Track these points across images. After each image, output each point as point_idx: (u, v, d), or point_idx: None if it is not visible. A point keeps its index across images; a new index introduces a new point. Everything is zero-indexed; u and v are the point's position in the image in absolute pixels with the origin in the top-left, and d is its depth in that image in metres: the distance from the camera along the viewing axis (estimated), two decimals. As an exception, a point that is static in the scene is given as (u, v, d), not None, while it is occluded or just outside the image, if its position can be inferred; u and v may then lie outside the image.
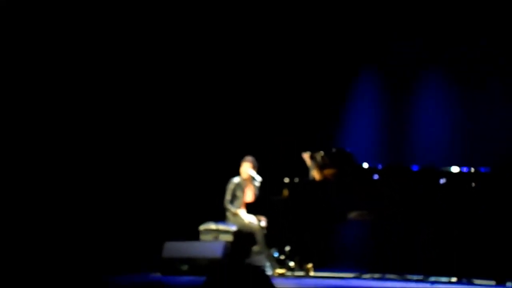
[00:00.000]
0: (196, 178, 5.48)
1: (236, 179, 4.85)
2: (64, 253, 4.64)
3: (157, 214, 5.27)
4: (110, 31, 5.26)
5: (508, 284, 4.02)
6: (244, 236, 4.66)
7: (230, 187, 4.82)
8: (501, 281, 4.10)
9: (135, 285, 3.77)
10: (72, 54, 5.12)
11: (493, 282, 4.11)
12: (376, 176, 4.35)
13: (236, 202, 4.82)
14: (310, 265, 4.50)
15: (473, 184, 4.22)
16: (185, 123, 5.66)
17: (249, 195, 4.84)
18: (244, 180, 4.84)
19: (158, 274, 4.42)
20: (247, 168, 4.82)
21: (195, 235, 4.71)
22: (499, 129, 5.10)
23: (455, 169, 4.29)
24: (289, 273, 4.47)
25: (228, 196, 4.81)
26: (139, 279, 4.18)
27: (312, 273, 4.48)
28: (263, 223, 4.68)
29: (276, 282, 4.09)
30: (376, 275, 4.45)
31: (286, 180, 4.52)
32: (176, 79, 5.65)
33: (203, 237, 4.70)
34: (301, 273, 4.47)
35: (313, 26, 5.64)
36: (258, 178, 4.80)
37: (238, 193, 4.82)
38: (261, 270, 1.18)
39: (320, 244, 4.84)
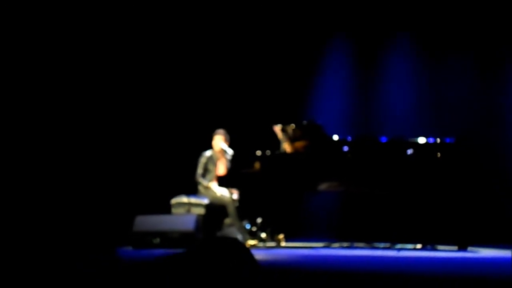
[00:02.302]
0: (168, 152, 5.44)
1: (208, 153, 4.84)
2: (34, 228, 4.57)
3: (128, 187, 5.22)
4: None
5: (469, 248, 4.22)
6: (216, 209, 4.68)
7: (202, 160, 4.81)
8: (462, 246, 4.29)
9: (106, 259, 3.75)
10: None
11: (455, 248, 4.30)
12: (346, 148, 4.41)
13: (208, 176, 4.82)
14: (281, 236, 4.58)
15: (439, 154, 4.34)
16: (156, 97, 5.57)
17: (221, 168, 4.84)
18: (216, 153, 4.83)
19: (129, 248, 4.41)
20: (219, 141, 4.80)
21: (167, 209, 4.70)
22: (463, 100, 5.24)
23: (421, 140, 4.40)
24: (260, 244, 4.54)
25: (200, 170, 4.80)
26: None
27: (283, 244, 4.56)
28: (235, 195, 4.71)
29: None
30: (345, 244, 4.57)
31: (258, 153, 4.54)
32: (144, 55, 5.53)
33: (175, 210, 4.70)
34: (273, 244, 4.54)
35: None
36: (230, 151, 4.80)
37: (210, 166, 4.81)
38: (240, 243, 1.18)
39: (291, 216, 4.92)
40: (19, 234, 4.40)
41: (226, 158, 4.81)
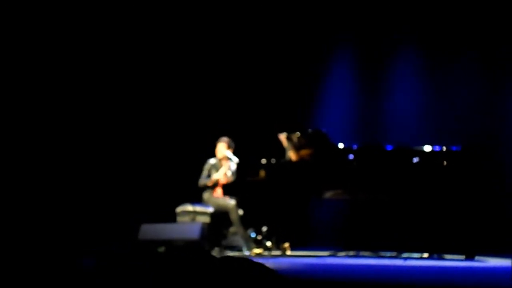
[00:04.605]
0: (173, 160, 5.45)
1: (212, 160, 4.85)
2: (39, 235, 4.58)
3: (133, 196, 5.23)
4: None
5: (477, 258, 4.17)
6: (221, 218, 4.67)
7: (206, 167, 4.82)
8: (469, 256, 4.24)
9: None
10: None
11: (462, 257, 4.26)
12: (351, 156, 4.40)
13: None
14: (286, 245, 4.55)
15: (445, 163, 4.32)
16: (160, 105, 5.59)
17: (222, 174, 4.83)
18: (220, 160, 4.83)
19: (134, 256, 4.40)
20: (222, 149, 4.81)
21: (172, 217, 4.70)
22: (469, 108, 5.21)
23: (427, 148, 4.38)
24: (266, 253, 4.52)
25: (204, 173, 4.80)
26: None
27: (288, 252, 4.54)
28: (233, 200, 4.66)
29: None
30: (351, 253, 4.54)
31: (263, 161, 4.53)
32: (149, 63, 5.56)
33: (180, 218, 4.69)
34: (278, 253, 4.52)
35: (286, 4, 5.59)
36: (235, 159, 4.80)
37: (213, 173, 4.81)
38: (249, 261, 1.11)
39: (297, 224, 4.90)
40: (23, 242, 4.40)
41: (229, 166, 4.81)
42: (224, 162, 4.82)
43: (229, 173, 4.79)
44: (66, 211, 4.96)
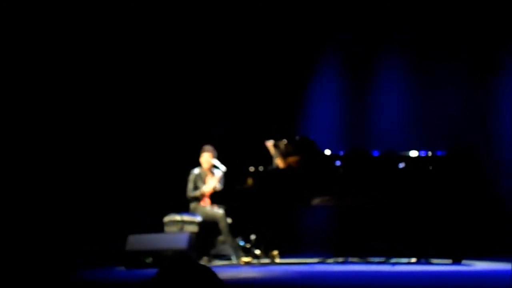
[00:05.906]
0: (157, 170, 5.40)
1: (196, 170, 4.81)
2: (26, 248, 4.50)
3: (120, 207, 5.17)
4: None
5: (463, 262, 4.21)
6: (209, 227, 4.63)
7: (191, 178, 4.78)
8: (456, 260, 4.28)
9: (99, 280, 3.70)
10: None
11: (449, 261, 4.29)
12: (338, 162, 4.42)
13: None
14: (275, 252, 4.54)
15: (431, 168, 4.36)
16: (145, 116, 5.56)
17: (210, 185, 4.80)
18: (204, 170, 4.80)
19: (122, 268, 4.35)
20: (208, 158, 4.77)
21: (159, 227, 4.65)
22: (454, 113, 5.28)
23: (413, 153, 4.42)
24: (255, 261, 4.50)
25: (190, 185, 4.76)
26: (103, 273, 4.10)
27: (278, 260, 4.52)
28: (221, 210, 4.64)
29: (243, 270, 4.13)
30: (340, 259, 4.55)
31: (251, 169, 4.52)
32: (134, 71, 5.53)
33: (167, 228, 4.65)
34: (267, 261, 4.51)
35: (271, 12, 5.63)
36: (222, 168, 4.78)
37: (199, 183, 4.78)
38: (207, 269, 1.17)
39: (285, 231, 4.89)
40: (7, 251, 4.31)
41: (214, 174, 4.78)
42: (208, 172, 4.79)
43: (216, 183, 4.76)
44: (53, 223, 4.87)
